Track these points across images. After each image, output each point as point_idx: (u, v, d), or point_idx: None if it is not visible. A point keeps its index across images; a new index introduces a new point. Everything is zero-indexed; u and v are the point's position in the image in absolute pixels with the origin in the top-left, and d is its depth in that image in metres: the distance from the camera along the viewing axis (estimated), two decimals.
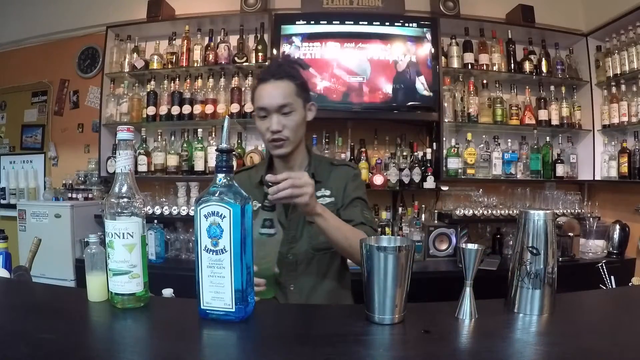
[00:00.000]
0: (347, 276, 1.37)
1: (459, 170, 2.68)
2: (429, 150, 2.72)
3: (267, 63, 2.64)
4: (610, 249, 2.62)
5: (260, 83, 1.24)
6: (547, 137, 2.89)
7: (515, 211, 2.65)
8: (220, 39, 2.79)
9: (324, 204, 1.22)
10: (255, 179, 1.32)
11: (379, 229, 2.64)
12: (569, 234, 2.49)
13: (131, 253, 0.83)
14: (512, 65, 2.81)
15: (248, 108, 2.66)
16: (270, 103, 1.20)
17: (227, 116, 0.93)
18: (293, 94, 1.22)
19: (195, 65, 2.77)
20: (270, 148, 1.26)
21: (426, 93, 2.64)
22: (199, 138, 2.72)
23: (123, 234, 0.83)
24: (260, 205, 1.18)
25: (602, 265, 1.88)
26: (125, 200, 0.84)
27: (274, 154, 1.27)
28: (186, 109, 2.71)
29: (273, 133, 1.20)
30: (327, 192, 1.29)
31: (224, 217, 0.77)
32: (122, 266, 0.83)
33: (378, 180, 2.59)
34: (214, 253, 0.78)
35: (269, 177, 1.02)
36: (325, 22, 2.64)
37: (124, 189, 0.84)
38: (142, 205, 0.86)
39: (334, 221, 1.11)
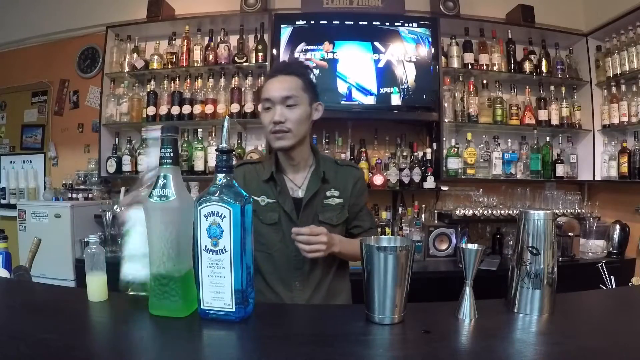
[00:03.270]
0: (347, 269, 1.42)
1: (459, 170, 2.68)
2: (429, 150, 2.71)
3: (266, 63, 2.64)
4: (610, 249, 2.62)
5: (268, 78, 1.28)
6: (547, 137, 2.89)
7: (515, 211, 2.64)
8: (220, 39, 2.79)
9: (334, 205, 1.30)
10: (263, 175, 1.31)
11: (379, 229, 2.64)
12: (569, 234, 2.49)
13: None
14: (512, 65, 2.81)
15: (248, 108, 2.66)
16: (275, 95, 1.21)
17: (227, 116, 0.93)
18: (299, 89, 1.23)
19: (195, 65, 2.77)
20: (271, 140, 1.25)
21: (426, 93, 2.64)
22: (199, 138, 2.72)
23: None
24: (268, 200, 1.25)
25: (602, 265, 1.89)
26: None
27: (275, 146, 1.26)
28: (186, 109, 2.71)
29: (275, 124, 1.21)
30: (336, 193, 1.31)
31: (224, 217, 0.77)
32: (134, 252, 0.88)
33: (378, 180, 2.59)
34: (214, 253, 0.78)
35: (294, 230, 1.15)
36: (325, 22, 2.64)
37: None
38: None
39: (348, 248, 1.23)
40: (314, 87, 1.30)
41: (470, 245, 0.83)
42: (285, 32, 2.62)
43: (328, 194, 1.30)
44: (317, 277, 1.27)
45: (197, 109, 2.71)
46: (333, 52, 2.60)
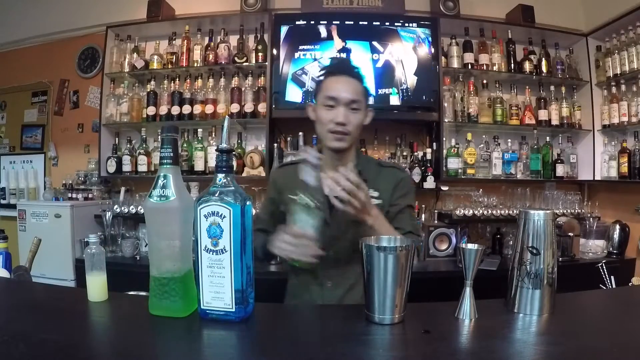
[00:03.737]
0: None
1: (459, 170, 2.68)
2: (429, 150, 2.71)
3: (266, 63, 2.64)
4: (610, 249, 2.62)
5: (330, 75, 1.27)
6: (547, 137, 2.89)
7: (515, 211, 2.64)
8: (220, 39, 2.79)
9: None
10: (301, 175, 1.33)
11: None
12: (569, 234, 2.49)
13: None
14: (512, 65, 2.81)
15: (248, 108, 2.66)
16: (342, 95, 1.22)
17: (227, 116, 0.93)
18: (361, 94, 1.25)
19: (195, 65, 2.77)
20: (328, 139, 1.25)
21: (426, 93, 2.64)
22: (199, 138, 2.72)
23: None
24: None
25: (602, 265, 1.89)
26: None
27: (331, 146, 1.26)
28: (186, 109, 2.71)
29: (337, 125, 1.21)
30: (375, 194, 1.28)
31: (224, 217, 0.77)
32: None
33: None
34: (214, 253, 0.78)
35: (342, 171, 1.04)
36: (326, 22, 2.64)
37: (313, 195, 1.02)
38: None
39: (382, 230, 1.12)
40: (369, 93, 1.32)
41: (470, 245, 0.83)
42: (283, 30, 2.62)
43: None
44: (352, 278, 1.26)
45: (197, 109, 2.71)
46: (342, 51, 2.59)
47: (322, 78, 1.30)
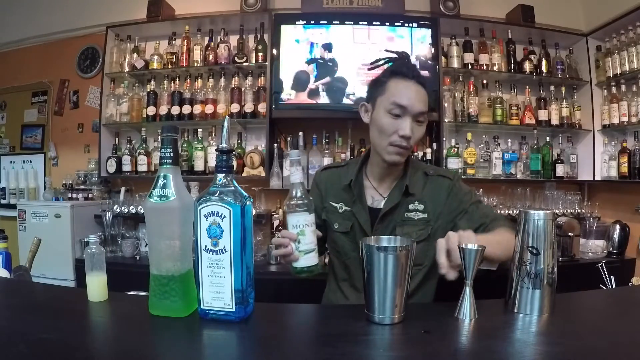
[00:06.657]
0: (434, 280, 1.25)
1: (459, 170, 2.68)
2: (429, 150, 2.71)
3: (266, 63, 2.64)
4: (610, 249, 2.62)
5: (399, 77, 1.12)
6: (547, 137, 2.89)
7: (515, 211, 2.64)
8: (220, 39, 2.79)
9: (417, 219, 1.16)
10: (344, 181, 1.24)
11: None
12: (569, 234, 2.49)
13: (314, 236, 0.99)
14: (512, 65, 2.81)
15: (248, 108, 2.66)
16: (414, 106, 1.09)
17: (227, 116, 0.93)
18: (428, 104, 1.14)
19: (195, 65, 2.77)
20: (387, 151, 1.13)
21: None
22: (199, 138, 2.72)
23: (310, 224, 0.97)
24: (345, 208, 1.19)
25: (602, 265, 1.89)
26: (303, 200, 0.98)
27: (390, 160, 1.14)
28: (186, 109, 2.71)
29: (401, 138, 1.10)
30: (421, 207, 1.18)
31: (224, 217, 0.77)
32: (311, 246, 0.97)
33: None
34: (214, 253, 0.78)
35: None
36: (325, 22, 2.64)
37: (299, 193, 0.98)
38: (312, 204, 1.00)
39: (491, 246, 0.90)
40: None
41: (470, 245, 0.83)
42: (283, 30, 2.62)
43: (411, 207, 1.18)
44: None
45: (197, 109, 2.71)
46: (335, 51, 2.60)
47: (386, 78, 1.15)
